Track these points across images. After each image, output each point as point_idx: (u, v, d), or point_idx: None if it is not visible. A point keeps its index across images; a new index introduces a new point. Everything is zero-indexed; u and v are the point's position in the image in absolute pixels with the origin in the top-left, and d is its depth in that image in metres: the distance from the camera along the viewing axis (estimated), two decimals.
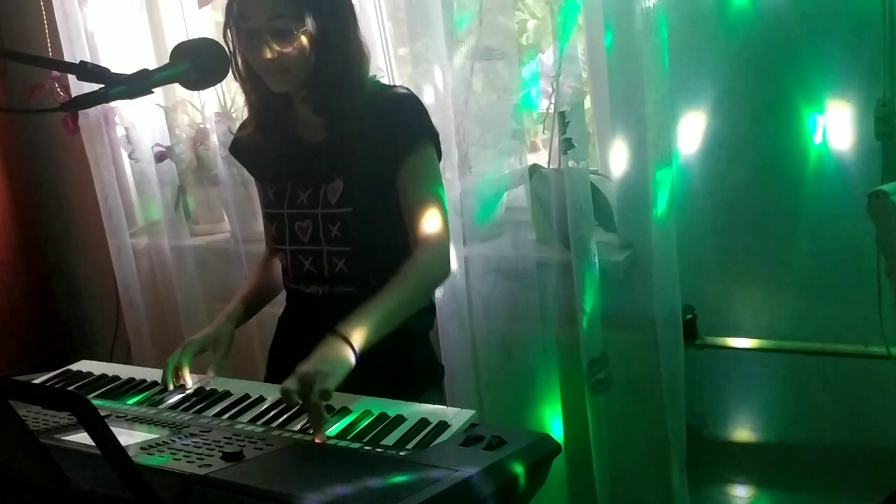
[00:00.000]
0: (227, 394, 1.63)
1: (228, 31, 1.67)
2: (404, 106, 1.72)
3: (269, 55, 1.62)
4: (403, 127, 1.70)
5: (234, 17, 1.65)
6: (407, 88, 1.80)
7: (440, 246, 1.67)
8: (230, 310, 1.87)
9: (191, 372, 1.70)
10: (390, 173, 1.70)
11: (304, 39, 1.62)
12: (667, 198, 2.01)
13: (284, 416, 1.48)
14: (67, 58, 2.74)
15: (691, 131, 2.08)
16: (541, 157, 2.31)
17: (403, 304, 1.60)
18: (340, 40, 1.67)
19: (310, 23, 1.62)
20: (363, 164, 1.69)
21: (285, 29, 1.61)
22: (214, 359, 1.77)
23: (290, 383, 1.40)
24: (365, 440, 1.35)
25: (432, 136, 1.72)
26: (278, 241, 1.81)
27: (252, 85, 1.73)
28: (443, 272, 1.70)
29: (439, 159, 1.76)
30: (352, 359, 1.47)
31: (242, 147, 1.89)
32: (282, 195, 1.79)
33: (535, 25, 2.47)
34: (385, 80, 2.01)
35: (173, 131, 2.73)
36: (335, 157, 1.71)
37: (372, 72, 1.77)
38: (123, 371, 1.80)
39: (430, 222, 1.66)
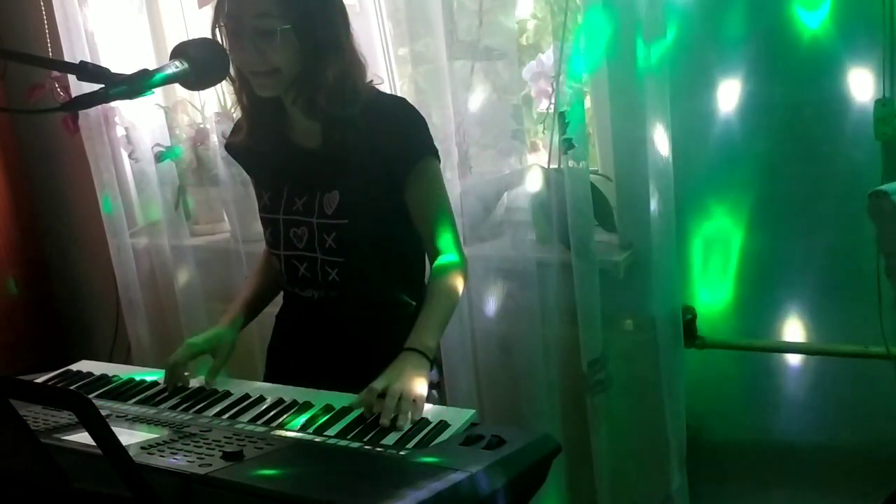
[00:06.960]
0: (228, 394, 1.63)
1: (217, 30, 1.64)
2: (408, 120, 1.70)
3: (253, 56, 1.59)
4: (409, 142, 1.68)
5: (223, 16, 1.62)
6: (403, 98, 1.81)
7: (462, 250, 1.76)
8: (232, 315, 1.85)
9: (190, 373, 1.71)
10: (393, 186, 1.69)
11: (289, 41, 1.59)
12: (667, 198, 2.01)
13: (284, 416, 1.48)
14: (67, 58, 2.74)
15: (691, 131, 2.08)
16: (541, 157, 2.31)
17: (453, 305, 1.70)
18: (330, 45, 1.63)
19: (296, 24, 1.58)
20: (362, 176, 1.68)
21: (270, 29, 1.57)
22: (214, 365, 1.75)
23: (373, 401, 1.45)
24: (365, 440, 1.35)
25: (435, 153, 1.73)
26: (273, 246, 1.80)
27: (242, 86, 1.70)
28: (467, 273, 1.78)
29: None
30: (427, 370, 1.56)
31: (238, 148, 1.86)
32: (278, 200, 1.77)
33: (535, 25, 2.46)
34: (385, 84, 2.00)
35: (173, 131, 2.73)
36: (332, 167, 1.69)
37: (370, 77, 1.73)
38: (123, 371, 1.80)
39: (449, 232, 1.74)
